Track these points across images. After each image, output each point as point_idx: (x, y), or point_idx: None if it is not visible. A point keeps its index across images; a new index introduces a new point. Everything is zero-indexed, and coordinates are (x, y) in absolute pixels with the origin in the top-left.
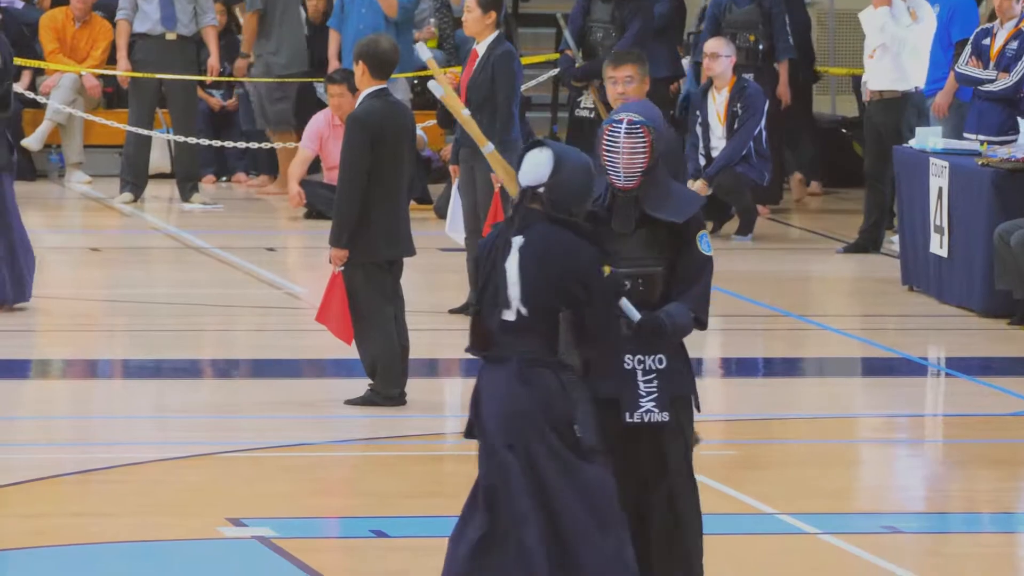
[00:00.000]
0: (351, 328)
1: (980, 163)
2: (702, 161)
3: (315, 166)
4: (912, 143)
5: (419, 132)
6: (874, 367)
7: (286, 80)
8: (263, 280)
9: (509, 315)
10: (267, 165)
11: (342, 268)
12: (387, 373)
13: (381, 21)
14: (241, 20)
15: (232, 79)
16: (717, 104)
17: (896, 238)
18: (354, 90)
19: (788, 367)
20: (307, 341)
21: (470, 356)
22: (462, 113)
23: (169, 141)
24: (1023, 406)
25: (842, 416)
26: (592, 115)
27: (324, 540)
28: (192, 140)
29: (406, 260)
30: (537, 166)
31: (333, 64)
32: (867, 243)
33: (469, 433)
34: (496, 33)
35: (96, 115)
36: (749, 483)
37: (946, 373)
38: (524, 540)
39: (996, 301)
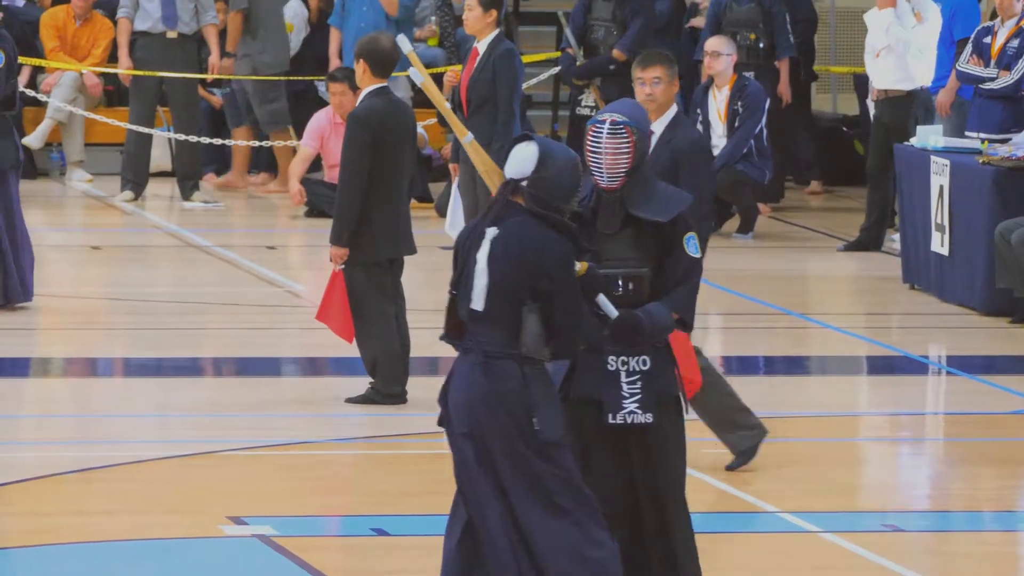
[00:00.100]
0: (352, 326)
1: (981, 161)
2: None
3: (316, 164)
4: (913, 141)
5: (420, 130)
6: (875, 365)
7: (273, 79)
8: (264, 278)
9: (476, 305)
10: (268, 163)
11: (343, 266)
12: (388, 371)
13: (382, 19)
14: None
15: (233, 77)
16: (718, 102)
17: (897, 236)
18: (355, 88)
19: (789, 365)
20: (308, 339)
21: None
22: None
23: (170, 139)
24: None
25: (843, 414)
26: (593, 113)
27: (325, 538)
28: (193, 138)
29: (407, 258)
30: (523, 160)
31: (334, 62)
32: (868, 241)
33: (440, 422)
34: (496, 31)
35: (97, 113)
36: (750, 481)
37: (947, 371)
38: (485, 525)
39: (997, 299)
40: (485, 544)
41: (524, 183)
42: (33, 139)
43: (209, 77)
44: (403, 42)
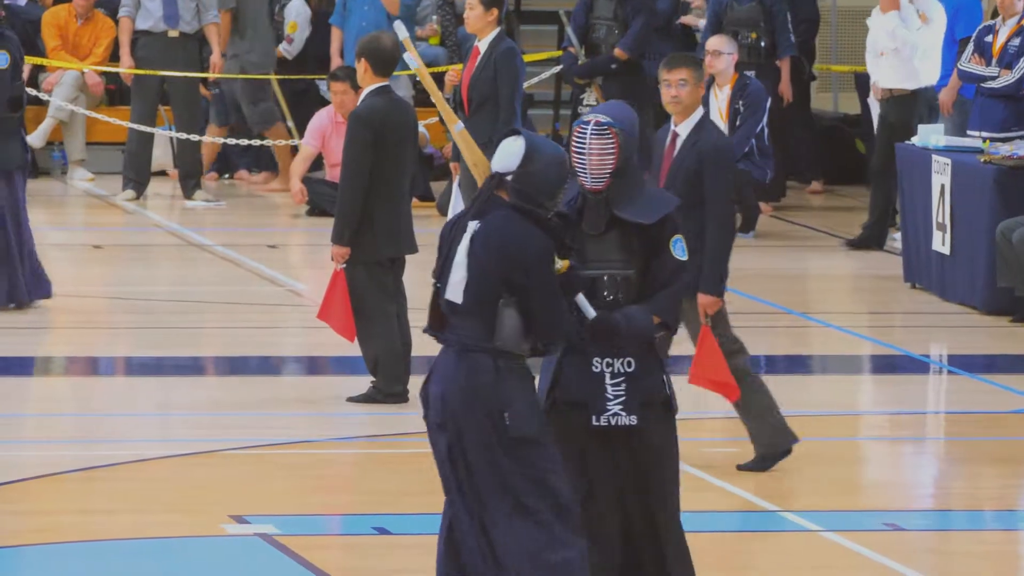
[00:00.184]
0: (353, 325)
1: (982, 160)
2: None
3: (317, 163)
4: (915, 140)
5: (421, 129)
6: (876, 364)
7: (275, 78)
8: (265, 277)
9: (453, 297)
10: (269, 162)
11: (344, 265)
12: (389, 370)
13: (383, 18)
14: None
15: (235, 77)
16: (719, 101)
17: (899, 235)
18: (357, 87)
19: (790, 364)
20: (309, 338)
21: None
22: (436, 91)
23: (172, 138)
24: None
25: (844, 413)
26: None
27: (327, 537)
28: (195, 137)
29: (408, 257)
30: (508, 155)
31: (335, 61)
32: (871, 239)
33: (424, 416)
34: (497, 30)
35: (98, 112)
36: (752, 480)
37: (948, 370)
38: (457, 521)
39: (998, 298)
40: (459, 541)
41: (509, 177)
42: (34, 138)
43: (211, 76)
44: (399, 28)
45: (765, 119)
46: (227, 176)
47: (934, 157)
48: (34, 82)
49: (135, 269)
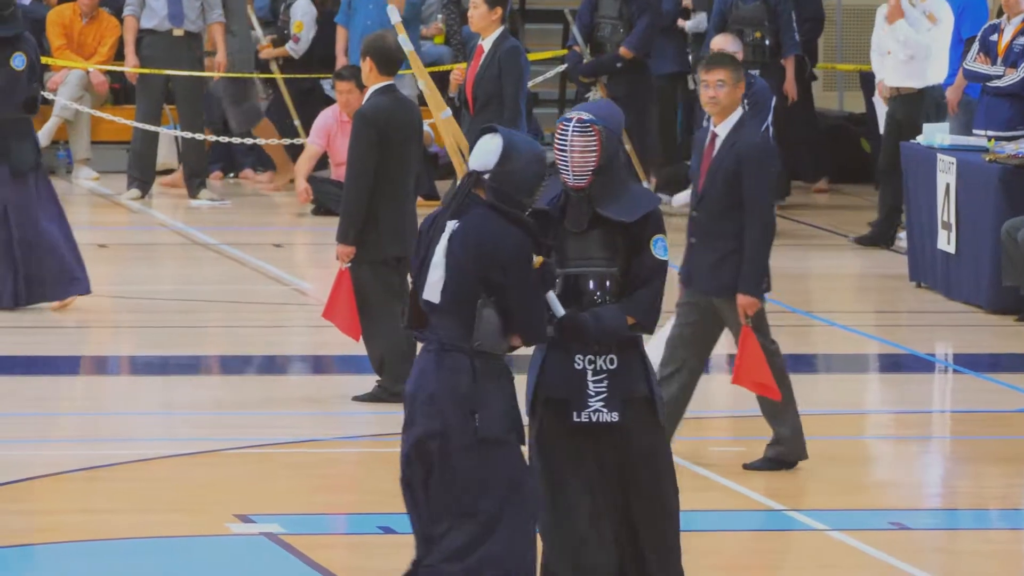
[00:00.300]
0: (358, 324)
1: (987, 159)
2: None
3: (322, 162)
4: (920, 139)
5: (426, 128)
6: (882, 363)
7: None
8: (270, 276)
9: (431, 297)
10: (271, 161)
11: (349, 264)
12: (394, 369)
13: (388, 17)
14: (252, 16)
15: (239, 75)
16: None
17: (904, 234)
18: (362, 86)
19: (795, 363)
20: (315, 337)
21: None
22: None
23: (176, 137)
24: None
25: (849, 412)
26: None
27: (332, 536)
28: (200, 136)
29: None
30: (486, 152)
31: (340, 60)
32: (879, 237)
33: None
34: (501, 29)
35: (103, 111)
36: (757, 479)
37: (953, 369)
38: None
39: (1003, 297)
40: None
41: (486, 176)
42: (39, 137)
43: (215, 76)
44: (392, 13)
45: (770, 118)
46: (232, 175)
47: (939, 156)
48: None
49: (140, 268)
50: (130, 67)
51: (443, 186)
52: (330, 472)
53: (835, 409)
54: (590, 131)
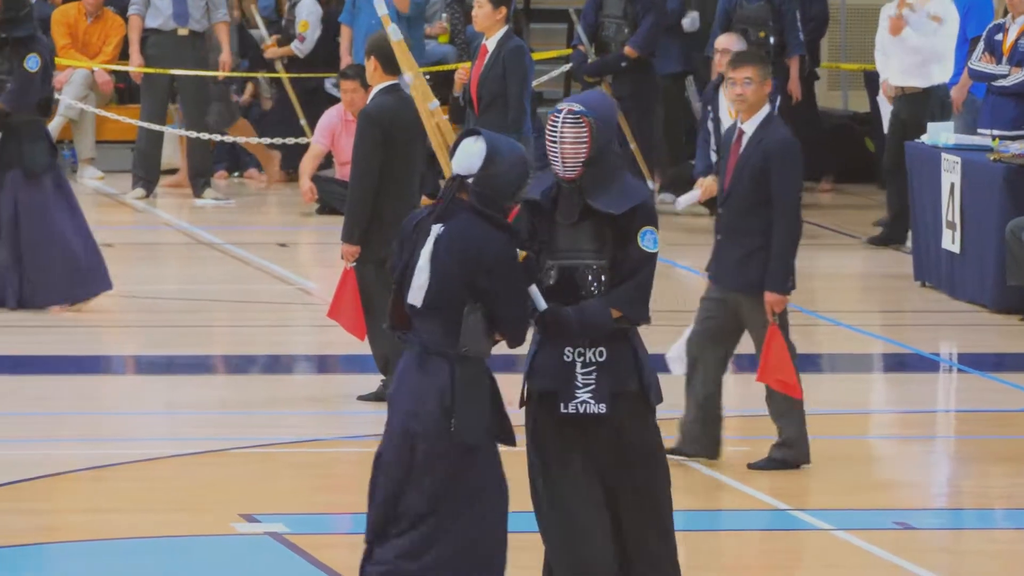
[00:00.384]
0: (363, 324)
1: (992, 159)
2: (714, 157)
3: (327, 162)
4: (924, 139)
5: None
6: (886, 363)
7: (295, 76)
8: (275, 276)
9: (415, 300)
10: (280, 161)
11: (354, 264)
12: None
13: (392, 16)
14: (256, 16)
15: (246, 75)
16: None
17: (908, 233)
18: (367, 86)
19: (800, 363)
20: (319, 337)
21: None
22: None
23: (181, 137)
24: None
25: (854, 412)
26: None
27: (337, 536)
28: (204, 136)
29: None
30: (469, 156)
31: (345, 60)
32: (892, 236)
33: None
34: (506, 28)
35: (108, 111)
36: (762, 479)
37: (958, 369)
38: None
39: (1008, 297)
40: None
41: (470, 180)
42: None
43: (220, 75)
44: (379, 5)
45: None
46: (237, 175)
47: (944, 155)
48: None
49: (144, 267)
50: (135, 66)
51: None
52: (335, 472)
53: (840, 409)
54: (580, 122)
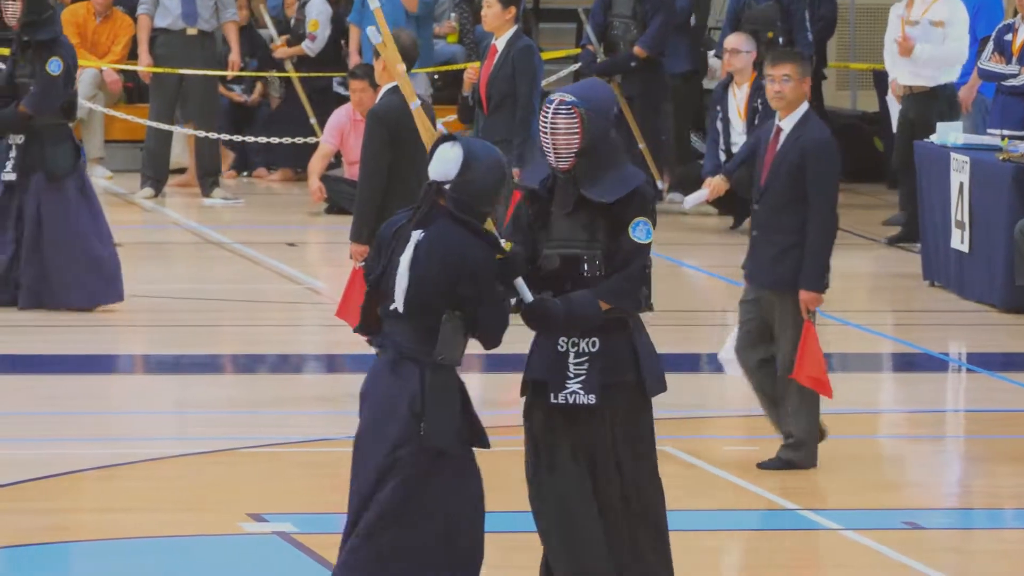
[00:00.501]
0: None
1: (1001, 158)
2: (723, 157)
3: (333, 161)
4: (933, 138)
5: (439, 127)
6: (895, 362)
7: (303, 75)
8: (284, 275)
9: (393, 306)
10: (288, 160)
11: (362, 263)
12: None
13: (402, 16)
14: (265, 15)
15: (253, 74)
16: (737, 100)
17: None
18: (375, 85)
19: None
20: (327, 336)
21: (488, 353)
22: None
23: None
24: None
25: (863, 411)
26: (615, 110)
27: None
28: (213, 135)
29: None
30: (446, 162)
31: (354, 59)
32: (910, 235)
33: None
34: (515, 28)
35: (117, 110)
36: (770, 479)
37: (967, 368)
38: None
39: (1017, 296)
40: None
41: (447, 186)
42: None
43: (229, 74)
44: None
45: None
46: (245, 174)
47: (952, 155)
48: None
49: (153, 267)
50: (144, 66)
51: None
52: (343, 471)
53: (849, 408)
54: (572, 113)
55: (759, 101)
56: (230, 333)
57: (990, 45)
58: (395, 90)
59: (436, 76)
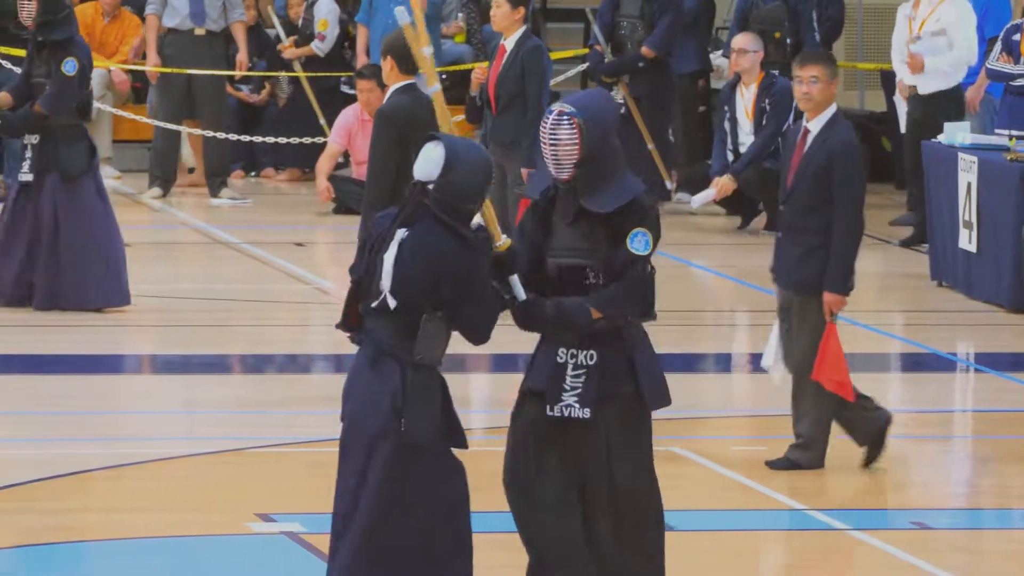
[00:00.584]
0: None
1: (1009, 158)
2: (730, 157)
3: (341, 161)
4: (941, 138)
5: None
6: (903, 362)
7: (309, 75)
8: (292, 275)
9: (376, 303)
10: (295, 160)
11: None
12: None
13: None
14: (273, 16)
15: (261, 74)
16: (745, 100)
17: None
18: (383, 85)
19: None
20: (336, 336)
21: (492, 353)
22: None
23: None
24: None
25: None
26: (623, 111)
27: None
28: (221, 135)
29: None
30: (428, 163)
31: (361, 59)
32: (923, 235)
33: None
34: (524, 28)
35: (125, 110)
36: (779, 479)
37: (975, 368)
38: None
39: None
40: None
41: (430, 186)
42: None
43: (237, 74)
44: None
45: (791, 117)
46: (253, 174)
47: (960, 155)
48: None
49: (161, 267)
50: (152, 66)
51: None
52: None
53: None
54: (571, 124)
55: (767, 101)
56: (238, 333)
57: (998, 45)
58: (403, 90)
59: (444, 76)
